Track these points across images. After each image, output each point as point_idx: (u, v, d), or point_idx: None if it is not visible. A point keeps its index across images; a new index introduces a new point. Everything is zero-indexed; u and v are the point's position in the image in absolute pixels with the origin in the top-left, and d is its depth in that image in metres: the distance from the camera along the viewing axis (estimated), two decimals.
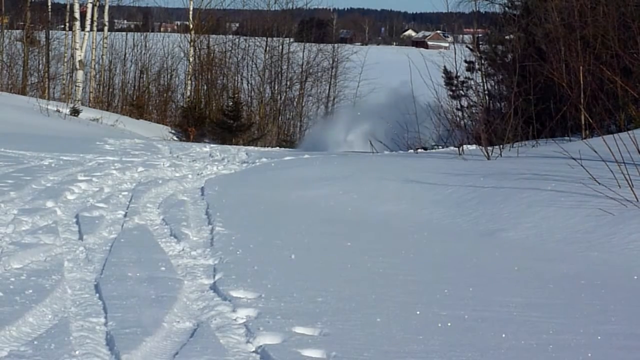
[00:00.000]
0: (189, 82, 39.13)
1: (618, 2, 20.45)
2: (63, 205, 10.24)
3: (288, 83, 41.07)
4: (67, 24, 41.00)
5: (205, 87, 39.08)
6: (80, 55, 36.92)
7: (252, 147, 26.51)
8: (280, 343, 5.42)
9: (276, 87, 40.57)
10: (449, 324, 6.01)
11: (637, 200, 9.83)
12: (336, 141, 28.72)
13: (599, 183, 10.42)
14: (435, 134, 18.74)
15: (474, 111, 16.39)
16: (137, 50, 41.71)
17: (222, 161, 16.78)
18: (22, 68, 39.75)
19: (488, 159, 14.57)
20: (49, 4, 41.48)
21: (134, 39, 42.23)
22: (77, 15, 37.29)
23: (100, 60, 39.92)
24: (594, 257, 8.50)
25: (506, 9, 27.86)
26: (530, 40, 23.61)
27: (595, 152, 11.28)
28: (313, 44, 43.37)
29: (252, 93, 40.45)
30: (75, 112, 30.64)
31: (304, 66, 41.37)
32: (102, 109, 34.87)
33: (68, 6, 40.72)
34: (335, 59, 42.51)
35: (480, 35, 30.26)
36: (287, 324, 5.79)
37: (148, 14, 54.79)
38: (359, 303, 6.47)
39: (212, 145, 24.39)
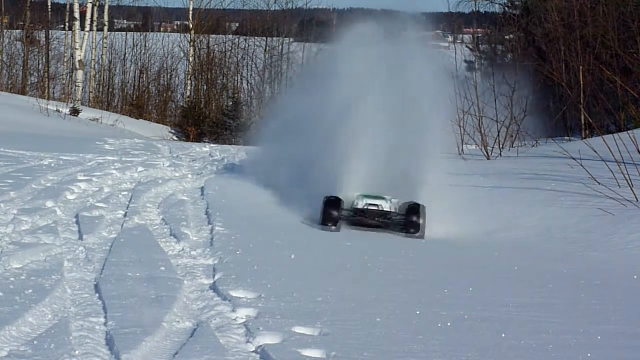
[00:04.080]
0: (189, 82, 39.13)
1: (618, 2, 20.47)
2: (63, 205, 10.24)
3: (288, 83, 41.08)
4: (67, 24, 40.99)
5: (205, 87, 39.08)
6: (80, 55, 36.92)
7: (252, 147, 26.48)
8: (280, 343, 5.42)
9: (276, 87, 40.58)
10: (449, 324, 6.01)
11: (637, 200, 9.84)
12: None
13: (599, 183, 10.42)
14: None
15: (473, 111, 16.37)
16: (137, 50, 41.72)
17: (222, 161, 16.78)
18: (22, 68, 39.74)
19: (488, 159, 14.58)
20: (49, 4, 41.48)
21: (134, 39, 42.23)
22: (77, 15, 37.28)
23: (100, 60, 39.93)
24: (594, 257, 8.50)
25: (506, 9, 27.89)
26: (530, 40, 23.63)
27: (595, 152, 11.28)
28: (313, 44, 43.36)
29: (252, 93, 40.47)
30: (75, 112, 30.64)
31: (304, 66, 41.37)
32: (102, 109, 34.87)
33: (68, 6, 40.72)
34: None
35: (480, 35, 30.27)
36: (287, 324, 5.79)
37: (148, 14, 54.76)
38: (359, 303, 6.47)
39: (212, 145, 24.40)
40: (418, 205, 9.81)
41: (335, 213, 9.79)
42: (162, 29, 55.11)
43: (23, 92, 36.94)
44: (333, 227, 9.68)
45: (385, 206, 9.99)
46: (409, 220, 9.73)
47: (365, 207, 9.96)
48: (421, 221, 9.68)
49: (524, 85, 19.05)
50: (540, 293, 7.15)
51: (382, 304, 6.47)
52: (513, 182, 11.53)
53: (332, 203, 9.86)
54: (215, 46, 40.88)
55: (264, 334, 5.54)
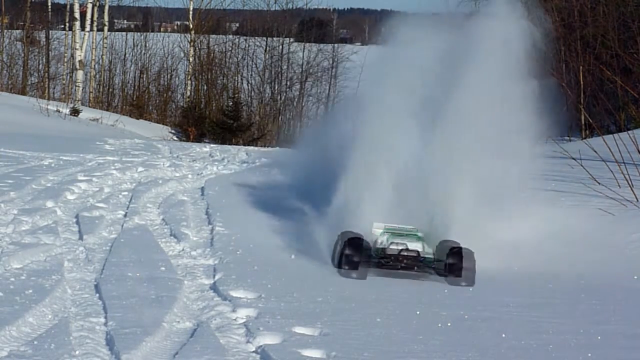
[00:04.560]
0: (189, 82, 39.14)
1: (618, 2, 20.48)
2: (63, 205, 10.24)
3: (288, 83, 41.07)
4: (67, 24, 40.99)
5: (205, 87, 39.07)
6: (80, 55, 36.93)
7: (252, 147, 26.51)
8: (280, 343, 5.43)
9: (276, 87, 40.56)
10: (449, 324, 6.01)
11: (637, 200, 9.83)
12: None
13: (599, 183, 10.42)
14: None
15: None
16: (137, 50, 41.71)
17: (222, 161, 16.77)
18: (22, 68, 39.73)
19: None
20: (49, 4, 41.47)
21: (134, 39, 42.22)
22: (77, 15, 37.29)
23: (100, 60, 39.93)
24: (594, 257, 8.49)
25: None
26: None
27: (595, 152, 11.28)
28: (313, 44, 43.34)
29: (252, 93, 40.45)
30: (75, 112, 30.65)
31: (304, 66, 41.36)
32: (102, 109, 34.86)
33: (68, 6, 40.72)
34: (335, 59, 42.49)
35: None
36: (287, 324, 5.79)
37: (148, 14, 54.75)
38: (359, 303, 6.47)
39: (212, 145, 24.39)
40: (462, 248, 7.63)
41: (355, 257, 7.47)
42: (162, 29, 55.08)
43: (23, 92, 36.93)
44: (354, 274, 7.43)
45: (418, 247, 7.66)
46: (456, 266, 7.48)
47: (393, 249, 7.59)
48: (467, 265, 7.51)
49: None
50: (540, 293, 7.15)
51: (382, 304, 6.48)
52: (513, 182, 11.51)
53: (352, 244, 7.51)
54: (215, 46, 40.88)
55: (264, 334, 5.54)
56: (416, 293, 6.95)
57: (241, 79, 40.76)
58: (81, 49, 37.16)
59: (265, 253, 8.06)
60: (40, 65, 40.77)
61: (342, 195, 8.24)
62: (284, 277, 7.10)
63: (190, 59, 39.54)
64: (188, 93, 39.08)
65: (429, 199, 8.07)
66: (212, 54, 40.08)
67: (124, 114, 34.79)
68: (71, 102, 33.89)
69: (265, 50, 41.27)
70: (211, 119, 34.38)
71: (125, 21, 54.45)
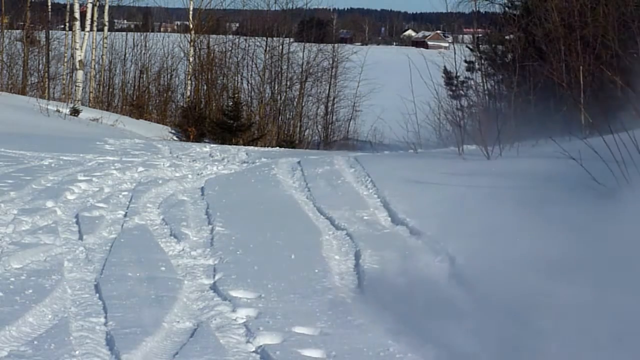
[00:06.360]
0: (189, 82, 39.15)
1: (618, 2, 20.48)
2: (63, 205, 10.24)
3: (288, 83, 41.06)
4: (67, 24, 41.00)
5: (205, 87, 39.08)
6: (80, 55, 36.93)
7: (252, 147, 26.50)
8: (280, 343, 5.42)
9: (276, 87, 40.56)
10: None
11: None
12: None
13: (598, 183, 10.42)
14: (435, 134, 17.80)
15: (474, 111, 16.39)
16: (137, 50, 41.71)
17: (222, 161, 16.77)
18: (22, 68, 39.73)
19: (488, 159, 14.58)
20: (49, 4, 41.47)
21: (134, 39, 42.22)
22: (77, 15, 37.30)
23: (100, 60, 39.93)
24: None
25: (506, 9, 27.86)
26: (530, 40, 23.63)
27: (595, 152, 11.28)
28: (313, 44, 43.35)
29: (252, 93, 40.45)
30: (75, 112, 30.64)
31: (304, 66, 41.36)
32: (102, 109, 34.86)
33: (68, 6, 40.73)
34: (335, 59, 42.49)
35: (480, 35, 30.24)
36: (287, 324, 5.79)
37: (148, 14, 54.80)
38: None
39: (212, 145, 24.38)
40: None
41: None
42: (162, 29, 55.09)
43: (23, 92, 36.93)
44: None
45: None
46: None
47: None
48: None
49: (523, 85, 19.06)
50: None
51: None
52: (513, 182, 11.52)
53: None
54: (215, 46, 40.88)
55: (264, 334, 5.54)
56: None
57: (241, 79, 40.76)
58: (81, 49, 37.17)
59: (265, 253, 8.06)
60: (40, 65, 40.76)
61: None
62: (284, 277, 7.10)
63: (190, 59, 39.55)
64: (188, 93, 39.09)
65: None
66: (212, 54, 40.08)
67: (124, 114, 34.80)
68: (71, 102, 33.90)
69: (265, 50, 41.26)
70: (211, 119, 34.39)
71: (125, 21, 54.49)
